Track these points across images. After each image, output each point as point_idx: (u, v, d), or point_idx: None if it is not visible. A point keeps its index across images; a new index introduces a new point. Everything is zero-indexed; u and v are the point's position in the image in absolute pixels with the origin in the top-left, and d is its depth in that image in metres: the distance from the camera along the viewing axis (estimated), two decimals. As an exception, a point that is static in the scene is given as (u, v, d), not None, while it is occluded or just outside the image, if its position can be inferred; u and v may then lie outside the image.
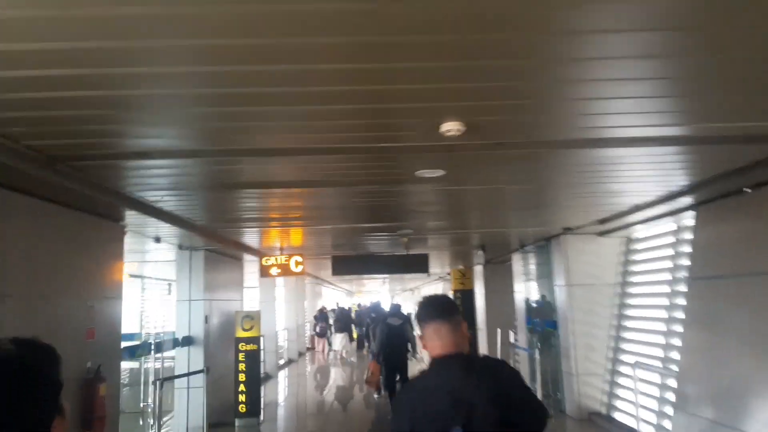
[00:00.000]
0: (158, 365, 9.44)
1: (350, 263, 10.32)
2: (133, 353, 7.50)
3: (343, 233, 8.57)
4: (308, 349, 22.66)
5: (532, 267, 11.31)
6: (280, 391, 13.69)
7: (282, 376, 15.60)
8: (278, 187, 4.71)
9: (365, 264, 10.33)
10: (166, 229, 7.02)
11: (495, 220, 7.80)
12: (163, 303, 9.51)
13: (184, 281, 8.93)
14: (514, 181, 4.98)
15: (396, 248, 10.60)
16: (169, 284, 9.97)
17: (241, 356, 9.19)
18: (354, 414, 11.24)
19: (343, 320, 21.67)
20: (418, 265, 10.29)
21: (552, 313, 9.94)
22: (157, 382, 6.86)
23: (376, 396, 11.36)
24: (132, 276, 10.45)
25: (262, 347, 10.50)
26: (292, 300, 19.48)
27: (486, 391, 1.86)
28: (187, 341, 8.68)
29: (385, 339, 9.43)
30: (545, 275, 10.42)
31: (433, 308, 2.19)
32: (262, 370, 13.45)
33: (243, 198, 5.40)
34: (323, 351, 22.61)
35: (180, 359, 8.76)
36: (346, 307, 27.63)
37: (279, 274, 9.52)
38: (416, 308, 2.29)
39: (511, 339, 13.46)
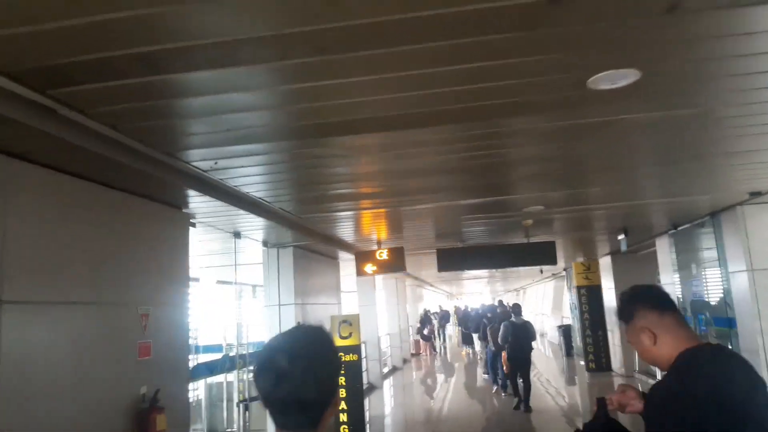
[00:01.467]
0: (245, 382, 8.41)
1: (459, 257, 8.77)
2: (212, 370, 6.42)
3: (447, 217, 7.07)
4: (413, 354, 21.32)
5: (692, 251, 9.18)
6: (386, 402, 12.38)
7: (387, 385, 14.32)
8: (370, 131, 3.31)
9: (477, 257, 8.73)
10: (242, 219, 5.87)
11: (649, 184, 5.95)
12: (248, 309, 8.42)
13: (272, 284, 7.83)
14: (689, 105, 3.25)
15: (512, 237, 8.93)
16: (254, 288, 8.91)
17: (341, 371, 7.92)
18: (471, 418, 10.04)
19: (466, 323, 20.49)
20: (542, 254, 8.55)
21: (724, 308, 7.83)
22: (242, 404, 5.69)
23: (503, 394, 11.36)
24: (218, 282, 9.61)
25: (363, 355, 9.25)
26: (393, 303, 18.23)
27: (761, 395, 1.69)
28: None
29: (511, 336, 9.92)
30: (712, 260, 8.31)
31: (666, 295, 1.89)
32: (365, 381, 12.27)
33: (328, 158, 4.06)
34: (429, 354, 21.25)
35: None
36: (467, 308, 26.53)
37: (376, 272, 8.18)
38: (637, 296, 1.89)
39: (655, 341, 11.28)
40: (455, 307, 32.59)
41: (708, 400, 1.62)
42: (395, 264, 8.16)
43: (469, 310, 24.69)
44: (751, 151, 4.49)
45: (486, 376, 13.22)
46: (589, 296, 13.30)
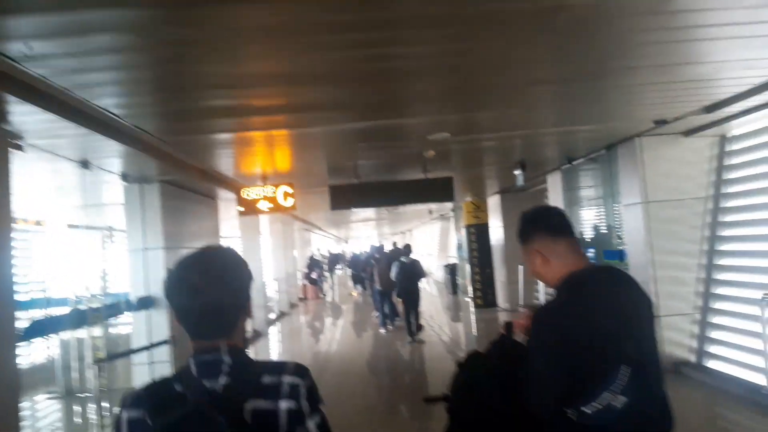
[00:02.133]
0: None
1: (353, 193, 8.06)
2: (55, 327, 5.28)
3: (343, 147, 6.31)
4: (301, 299, 20.76)
5: (582, 187, 9.19)
6: (272, 350, 11.71)
7: (274, 332, 13.62)
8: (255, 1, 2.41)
9: (372, 193, 8.08)
10: (88, 141, 4.68)
11: (548, 110, 5.56)
12: (106, 256, 7.18)
13: (135, 226, 6.66)
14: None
15: (409, 173, 8.37)
16: (110, 232, 7.63)
17: (220, 318, 7.04)
18: (358, 354, 10.06)
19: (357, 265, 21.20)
20: (440, 190, 8.08)
21: (614, 241, 7.89)
22: (97, 364, 4.71)
23: (390, 328, 11.97)
24: (69, 225, 8.14)
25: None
26: (280, 248, 17.35)
27: (645, 311, 1.82)
28: (144, 303, 6.48)
29: (401, 275, 10.58)
30: (603, 195, 8.32)
31: (564, 221, 1.93)
32: (248, 329, 11.50)
33: (201, 46, 3.08)
34: (317, 298, 20.83)
35: (138, 327, 6.59)
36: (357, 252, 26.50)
37: (261, 211, 7.27)
38: (534, 219, 1.97)
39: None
40: (344, 252, 32.44)
41: (580, 314, 1.69)
42: (284, 203, 7.29)
43: (359, 253, 24.58)
44: (665, 66, 4.11)
45: (375, 313, 13.30)
46: (478, 234, 13.32)
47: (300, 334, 13.76)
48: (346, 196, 8.05)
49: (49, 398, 7.94)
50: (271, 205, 7.21)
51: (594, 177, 8.65)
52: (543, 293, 11.58)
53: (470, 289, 15.79)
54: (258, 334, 12.54)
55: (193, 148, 5.53)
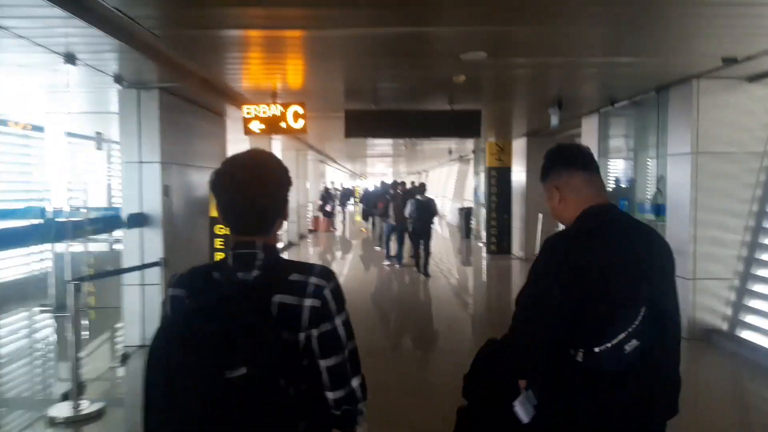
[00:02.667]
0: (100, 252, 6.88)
1: (371, 121, 7.39)
2: (19, 240, 4.78)
3: (361, 63, 5.61)
4: (310, 231, 20.42)
5: (622, 135, 8.42)
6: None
7: (280, 263, 13.26)
8: None
9: (392, 122, 7.40)
10: (71, 28, 4.04)
11: (596, 37, 4.80)
12: (93, 168, 6.65)
13: (130, 135, 6.09)
14: None
15: (432, 102, 7.64)
16: (99, 141, 7.06)
17: (217, 243, 6.59)
18: (364, 284, 10.01)
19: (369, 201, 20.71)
20: (466, 124, 7.39)
21: (652, 194, 7.21)
22: (73, 284, 4.28)
23: (398, 266, 11.74)
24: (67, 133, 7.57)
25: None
26: (293, 177, 16.78)
27: (664, 259, 1.72)
28: (137, 220, 6.00)
29: (415, 212, 10.60)
30: (646, 144, 7.57)
31: (581, 154, 1.84)
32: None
33: None
34: (328, 230, 20.50)
35: (129, 246, 6.15)
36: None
37: (269, 131, 6.66)
38: (554, 155, 1.85)
39: (560, 227, 10.90)
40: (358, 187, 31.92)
41: (593, 247, 1.60)
42: (294, 124, 6.65)
43: (371, 189, 24.07)
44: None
45: (378, 248, 13.42)
46: (499, 178, 12.65)
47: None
48: (363, 124, 7.40)
49: (42, 312, 7.68)
50: (281, 126, 6.59)
51: (637, 123, 7.87)
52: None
53: (484, 234, 15.29)
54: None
55: (195, 48, 4.86)
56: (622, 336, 1.50)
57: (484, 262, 12.95)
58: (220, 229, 6.56)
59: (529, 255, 12.47)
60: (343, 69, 5.67)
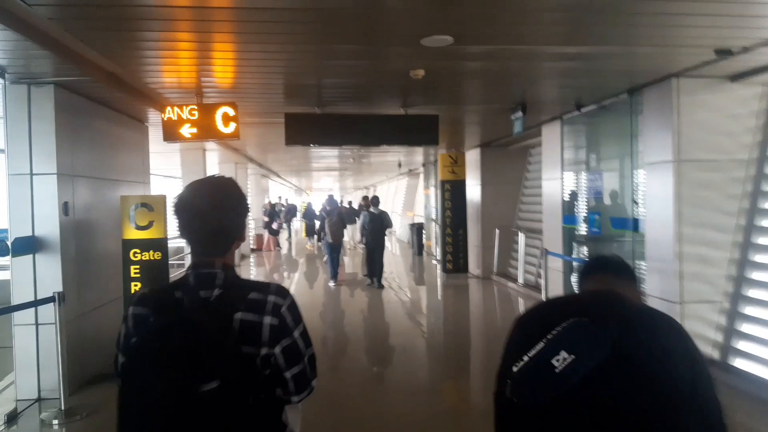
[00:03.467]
0: None
1: (314, 126, 6.48)
2: None
3: (302, 53, 4.73)
4: (253, 250, 19.20)
5: (590, 141, 7.83)
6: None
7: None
8: None
9: (339, 128, 6.51)
10: None
11: (558, 22, 4.08)
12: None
13: (18, 141, 4.95)
14: None
15: (384, 106, 6.83)
16: None
17: (133, 271, 5.49)
18: (311, 307, 8.88)
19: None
20: (422, 130, 6.60)
21: (626, 208, 6.61)
22: None
23: (331, 284, 11.50)
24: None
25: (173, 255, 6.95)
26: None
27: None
28: (25, 246, 4.85)
29: (368, 224, 10.94)
30: (618, 151, 6.99)
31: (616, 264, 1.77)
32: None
33: None
34: (273, 249, 19.31)
35: (19, 277, 4.98)
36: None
37: (196, 136, 5.64)
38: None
39: (521, 242, 10.29)
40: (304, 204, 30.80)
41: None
42: (224, 128, 5.66)
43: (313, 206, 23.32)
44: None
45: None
46: (453, 192, 11.95)
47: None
48: (306, 129, 6.49)
49: None
50: (209, 130, 5.59)
51: (605, 129, 7.30)
52: (521, 261, 10.39)
53: (438, 251, 14.61)
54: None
55: (96, 31, 3.84)
56: (540, 346, 1.27)
57: (439, 281, 12.18)
58: (136, 255, 5.47)
59: (487, 273, 11.81)
60: (281, 59, 4.75)
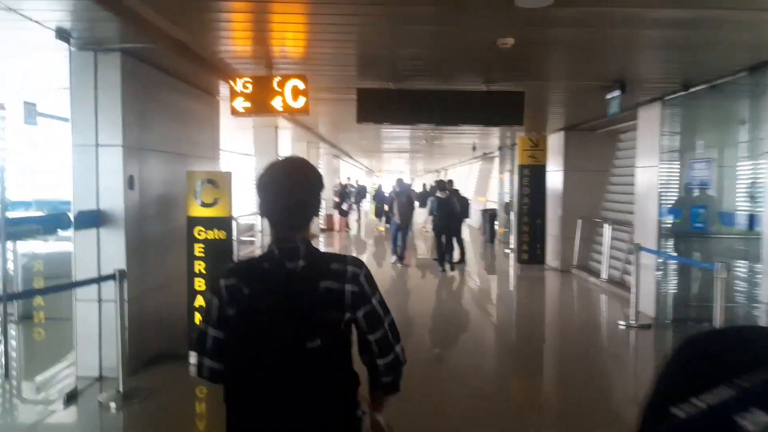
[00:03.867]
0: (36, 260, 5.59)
1: (388, 103, 6.04)
2: None
3: (375, 17, 4.27)
4: (323, 230, 19.15)
5: (697, 126, 6.97)
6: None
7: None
8: None
9: (414, 105, 6.05)
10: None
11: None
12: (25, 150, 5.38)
13: (83, 110, 4.81)
14: None
15: (464, 82, 6.27)
16: (31, 111, 5.78)
17: (197, 249, 5.29)
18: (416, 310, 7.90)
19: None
20: (506, 109, 6.03)
21: (733, 202, 5.79)
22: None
23: (399, 265, 11.51)
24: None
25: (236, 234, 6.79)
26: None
27: None
28: (88, 220, 4.73)
29: (437, 209, 10.76)
30: (731, 138, 6.14)
31: None
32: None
33: None
34: (342, 230, 19.20)
35: (82, 252, 4.88)
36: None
37: (258, 110, 5.33)
38: None
39: (607, 234, 9.49)
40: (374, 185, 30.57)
41: None
42: (293, 102, 5.33)
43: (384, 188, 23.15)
44: None
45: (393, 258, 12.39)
46: (533, 178, 11.19)
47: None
48: (378, 106, 6.08)
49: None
50: (277, 104, 5.27)
51: (716, 113, 6.43)
52: (606, 255, 9.58)
53: (513, 240, 13.94)
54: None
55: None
56: (724, 393, 0.86)
57: (512, 271, 11.54)
58: (201, 233, 5.27)
59: (566, 266, 11.05)
60: (354, 25, 4.32)
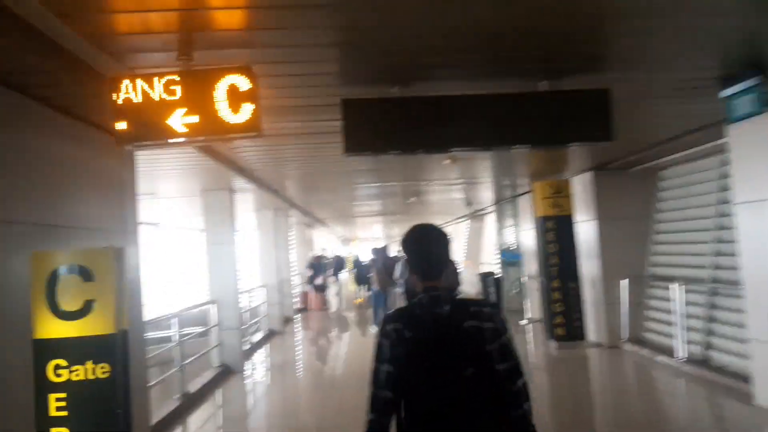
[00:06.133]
0: None
1: (394, 116, 3.72)
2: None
3: None
4: (300, 310, 16.46)
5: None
6: (240, 402, 7.36)
7: (255, 363, 9.26)
8: None
9: (432, 120, 3.74)
10: None
11: None
12: None
13: None
14: None
15: (511, 81, 3.99)
16: None
17: (53, 405, 2.71)
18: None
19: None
20: (584, 117, 3.74)
21: None
22: None
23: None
24: None
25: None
26: (270, 245, 13.05)
27: None
28: None
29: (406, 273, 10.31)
30: None
31: None
32: (217, 363, 7.64)
33: None
34: (320, 309, 16.45)
35: None
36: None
37: (171, 133, 2.93)
38: None
39: (678, 297, 7.15)
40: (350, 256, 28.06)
41: None
42: (229, 115, 2.96)
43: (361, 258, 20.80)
44: None
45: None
46: (559, 232, 8.92)
47: (294, 369, 9.38)
48: (377, 125, 3.74)
49: None
50: (195, 119, 2.89)
51: None
52: (681, 326, 7.17)
53: (529, 307, 11.63)
54: (227, 371, 8.20)
55: None
56: None
57: (543, 352, 9.00)
58: (60, 372, 2.73)
59: (613, 340, 8.61)
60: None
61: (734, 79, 3.93)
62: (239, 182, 8.30)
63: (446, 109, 3.77)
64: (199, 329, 8.38)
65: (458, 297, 1.98)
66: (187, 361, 6.83)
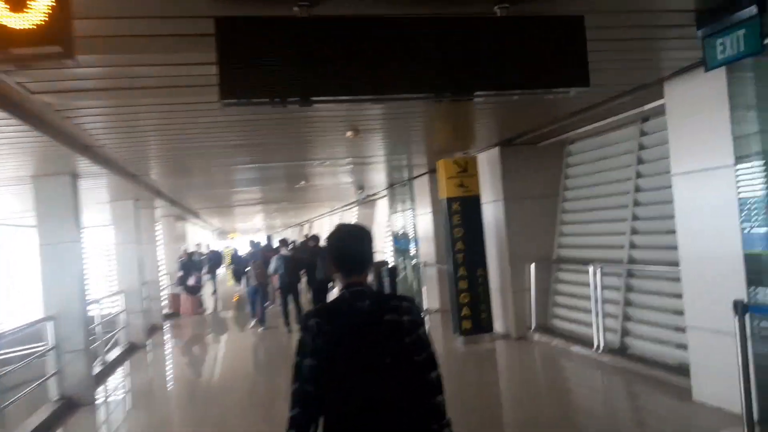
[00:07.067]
0: None
1: (297, 46, 2.53)
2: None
3: None
4: (169, 316, 14.51)
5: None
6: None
7: (115, 387, 7.53)
8: None
9: (353, 54, 2.62)
10: None
11: None
12: None
13: None
14: None
15: (453, 4, 2.92)
16: None
17: None
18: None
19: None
20: (548, 55, 2.77)
21: None
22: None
23: (260, 329, 11.06)
24: None
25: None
26: (131, 243, 11.10)
27: None
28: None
29: (282, 267, 10.93)
30: None
31: None
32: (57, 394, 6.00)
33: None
34: (193, 313, 14.57)
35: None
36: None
37: None
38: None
39: (595, 280, 6.64)
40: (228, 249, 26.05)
41: None
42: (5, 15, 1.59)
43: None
44: None
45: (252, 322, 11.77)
46: (465, 214, 8.10)
47: (162, 388, 7.77)
48: (274, 59, 2.51)
49: None
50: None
51: None
52: (598, 312, 6.67)
53: (425, 297, 10.91)
54: (71, 405, 6.45)
55: None
56: None
57: (448, 349, 8.20)
58: None
59: (521, 331, 8.02)
60: None
61: (720, 12, 3.17)
62: (84, 164, 6.55)
63: (365, 36, 2.62)
64: (31, 353, 6.52)
65: (379, 292, 1.96)
66: (8, 402, 5.10)
